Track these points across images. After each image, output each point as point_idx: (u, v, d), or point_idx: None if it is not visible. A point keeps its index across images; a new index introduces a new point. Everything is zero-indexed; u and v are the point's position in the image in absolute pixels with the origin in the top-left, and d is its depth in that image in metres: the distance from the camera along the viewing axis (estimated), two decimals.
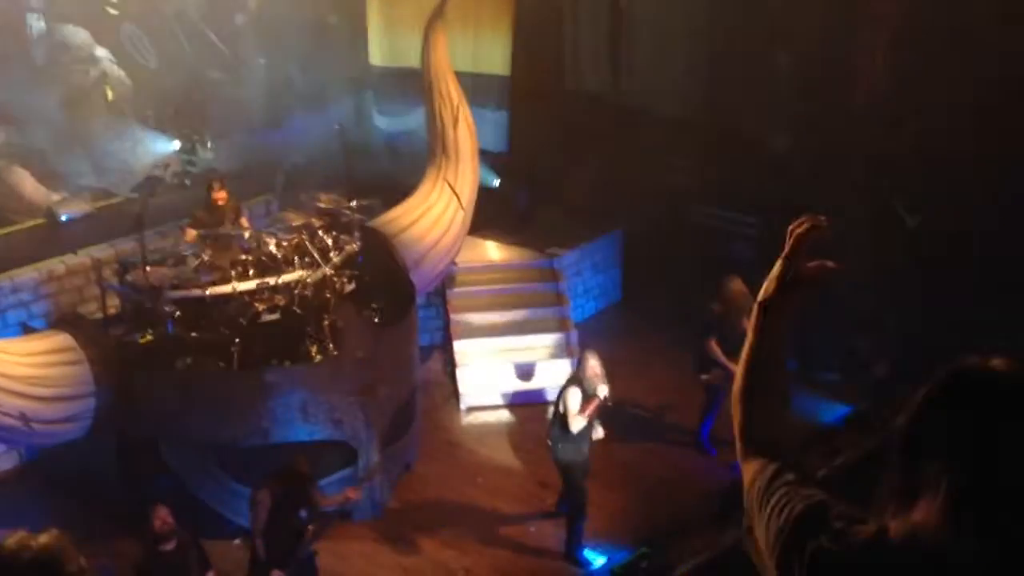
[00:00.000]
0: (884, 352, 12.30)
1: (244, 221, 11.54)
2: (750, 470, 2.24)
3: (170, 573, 8.03)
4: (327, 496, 9.12)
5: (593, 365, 9.63)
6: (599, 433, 9.92)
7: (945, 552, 1.81)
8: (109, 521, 9.96)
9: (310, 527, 8.53)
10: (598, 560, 9.81)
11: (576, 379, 9.66)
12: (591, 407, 9.49)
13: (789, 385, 2.32)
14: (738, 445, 2.32)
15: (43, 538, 2.79)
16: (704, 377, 11.11)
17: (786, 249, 2.29)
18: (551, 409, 10.16)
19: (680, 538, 9.78)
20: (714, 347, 10.89)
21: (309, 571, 8.66)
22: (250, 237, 10.84)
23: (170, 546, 8.08)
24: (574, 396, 9.51)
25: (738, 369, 2.35)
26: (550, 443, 9.77)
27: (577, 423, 9.47)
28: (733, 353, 10.69)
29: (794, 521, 2.03)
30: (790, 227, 2.31)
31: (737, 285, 10.84)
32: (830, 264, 2.27)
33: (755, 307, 2.32)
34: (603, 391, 9.56)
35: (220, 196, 11.66)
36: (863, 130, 12.81)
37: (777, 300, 2.29)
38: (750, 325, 2.34)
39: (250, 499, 8.58)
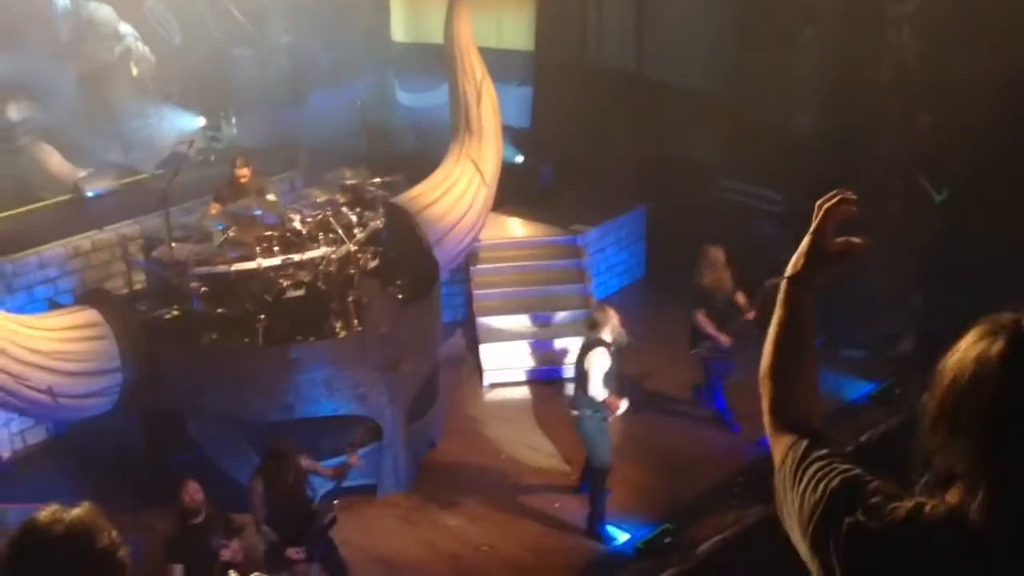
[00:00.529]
0: (909, 328, 12.25)
1: (272, 196, 11.55)
2: (781, 445, 2.24)
3: (199, 546, 8.10)
4: (326, 467, 9.13)
5: (614, 315, 9.62)
6: (623, 406, 9.90)
7: (982, 536, 1.79)
8: (136, 495, 10.05)
9: (318, 500, 8.58)
10: (621, 536, 9.83)
11: (599, 340, 9.54)
12: (616, 404, 9.54)
13: (817, 360, 2.32)
14: (767, 420, 2.31)
15: (75, 511, 2.82)
16: (693, 352, 11.08)
17: (814, 223, 2.29)
18: (573, 378, 10.11)
19: (703, 514, 9.81)
20: (703, 319, 10.86)
21: (327, 544, 8.70)
22: (270, 211, 10.81)
23: (199, 519, 8.17)
24: (600, 359, 9.44)
25: (766, 345, 2.35)
26: (574, 412, 9.76)
27: (599, 391, 9.45)
28: (721, 324, 10.78)
29: (830, 495, 2.02)
30: (818, 202, 2.30)
31: (717, 254, 10.93)
32: (857, 240, 2.27)
33: (784, 282, 2.32)
34: (624, 405, 9.64)
35: (243, 173, 11.68)
36: (890, 105, 12.72)
37: (805, 275, 2.29)
38: (779, 300, 2.33)
39: (247, 491, 8.58)
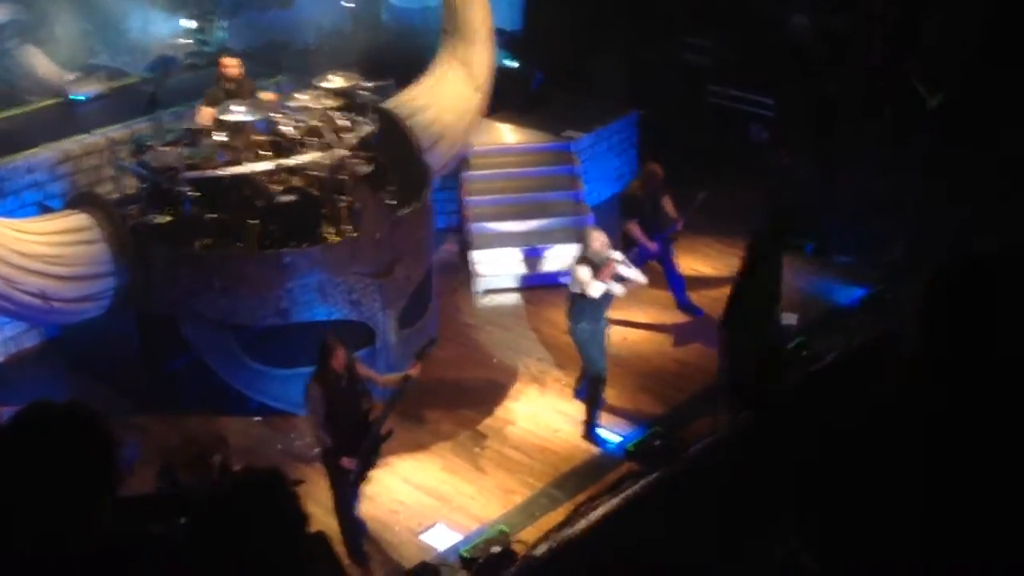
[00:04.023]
0: (901, 234, 12.28)
1: (269, 94, 11.44)
2: None
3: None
4: (383, 375, 9.05)
5: (597, 237, 9.67)
6: (617, 289, 9.87)
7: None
8: (131, 399, 10.15)
9: (376, 406, 8.47)
10: (614, 439, 9.96)
11: (583, 258, 9.65)
12: (606, 270, 9.54)
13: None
14: None
15: (64, 405, 2.94)
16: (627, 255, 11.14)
17: None
18: (568, 291, 10.15)
19: (693, 418, 9.93)
20: (635, 228, 11.27)
21: (376, 454, 8.55)
22: (265, 114, 10.74)
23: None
24: (583, 269, 9.55)
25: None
26: (569, 323, 9.85)
27: (595, 288, 9.49)
28: (652, 233, 11.32)
29: None
30: None
31: (657, 169, 11.41)
32: None
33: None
34: (616, 254, 9.69)
35: (231, 63, 11.51)
36: (884, 9, 12.59)
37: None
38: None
39: (305, 395, 8.29)
